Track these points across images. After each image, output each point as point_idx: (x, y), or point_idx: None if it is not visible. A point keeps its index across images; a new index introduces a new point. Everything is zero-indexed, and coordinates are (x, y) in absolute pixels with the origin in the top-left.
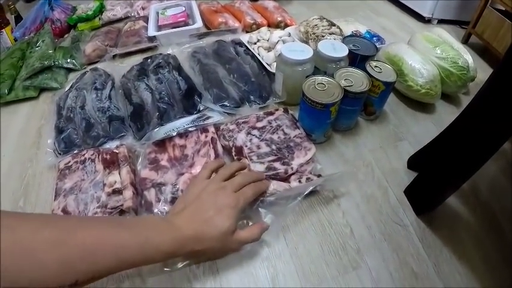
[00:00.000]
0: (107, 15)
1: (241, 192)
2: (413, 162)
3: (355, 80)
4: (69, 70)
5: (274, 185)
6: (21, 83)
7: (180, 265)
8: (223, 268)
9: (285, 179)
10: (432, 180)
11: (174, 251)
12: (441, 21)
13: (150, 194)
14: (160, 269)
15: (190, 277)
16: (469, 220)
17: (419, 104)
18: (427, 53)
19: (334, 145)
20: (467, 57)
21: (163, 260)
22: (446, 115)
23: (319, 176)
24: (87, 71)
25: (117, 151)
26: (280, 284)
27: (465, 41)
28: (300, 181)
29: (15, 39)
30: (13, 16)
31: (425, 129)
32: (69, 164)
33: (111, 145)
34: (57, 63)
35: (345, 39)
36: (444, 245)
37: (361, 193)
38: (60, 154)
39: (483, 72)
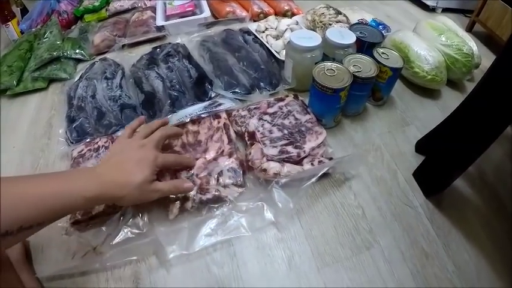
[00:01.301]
0: (114, 6)
1: (162, 154)
2: (420, 146)
3: (363, 66)
4: (78, 61)
5: (288, 168)
6: (30, 74)
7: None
8: (240, 250)
9: (298, 162)
10: (439, 163)
11: (96, 196)
12: (445, 10)
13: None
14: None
15: (208, 261)
16: (476, 202)
17: (425, 90)
18: (432, 40)
19: (344, 130)
20: (472, 44)
21: (87, 205)
22: (451, 101)
23: (330, 159)
24: (96, 61)
25: None
26: (296, 265)
27: (469, 30)
28: (312, 164)
29: (22, 32)
30: (19, 9)
31: (431, 115)
32: (83, 152)
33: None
34: (65, 54)
35: (352, 27)
36: (453, 225)
37: (371, 176)
38: (72, 143)
39: (487, 60)
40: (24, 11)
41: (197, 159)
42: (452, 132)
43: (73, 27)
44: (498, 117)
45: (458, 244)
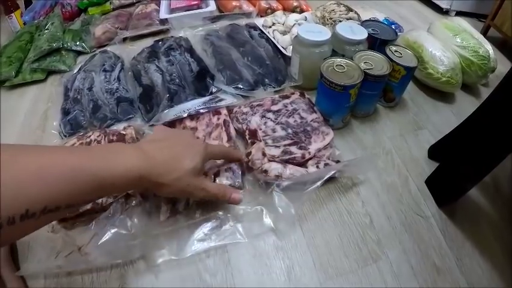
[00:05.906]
0: None
1: (210, 144)
2: (434, 152)
3: (375, 63)
4: (78, 53)
5: (291, 170)
6: (29, 66)
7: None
8: (235, 258)
9: (302, 163)
10: (454, 171)
11: (139, 176)
12: (459, 13)
13: None
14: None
15: (200, 267)
16: (491, 213)
17: (439, 93)
18: (447, 41)
19: (352, 131)
20: (488, 47)
21: (126, 186)
22: (466, 105)
23: (337, 161)
24: (97, 54)
25: (124, 132)
26: (296, 276)
27: (484, 34)
28: (317, 166)
29: (25, 23)
30: (23, 0)
31: (445, 119)
32: (75, 145)
33: (119, 127)
34: (66, 45)
35: (364, 23)
36: (466, 238)
37: (381, 181)
38: (65, 136)
39: (502, 66)
40: (28, 3)
41: None
42: (468, 138)
43: (76, 19)
44: None
45: (472, 259)
